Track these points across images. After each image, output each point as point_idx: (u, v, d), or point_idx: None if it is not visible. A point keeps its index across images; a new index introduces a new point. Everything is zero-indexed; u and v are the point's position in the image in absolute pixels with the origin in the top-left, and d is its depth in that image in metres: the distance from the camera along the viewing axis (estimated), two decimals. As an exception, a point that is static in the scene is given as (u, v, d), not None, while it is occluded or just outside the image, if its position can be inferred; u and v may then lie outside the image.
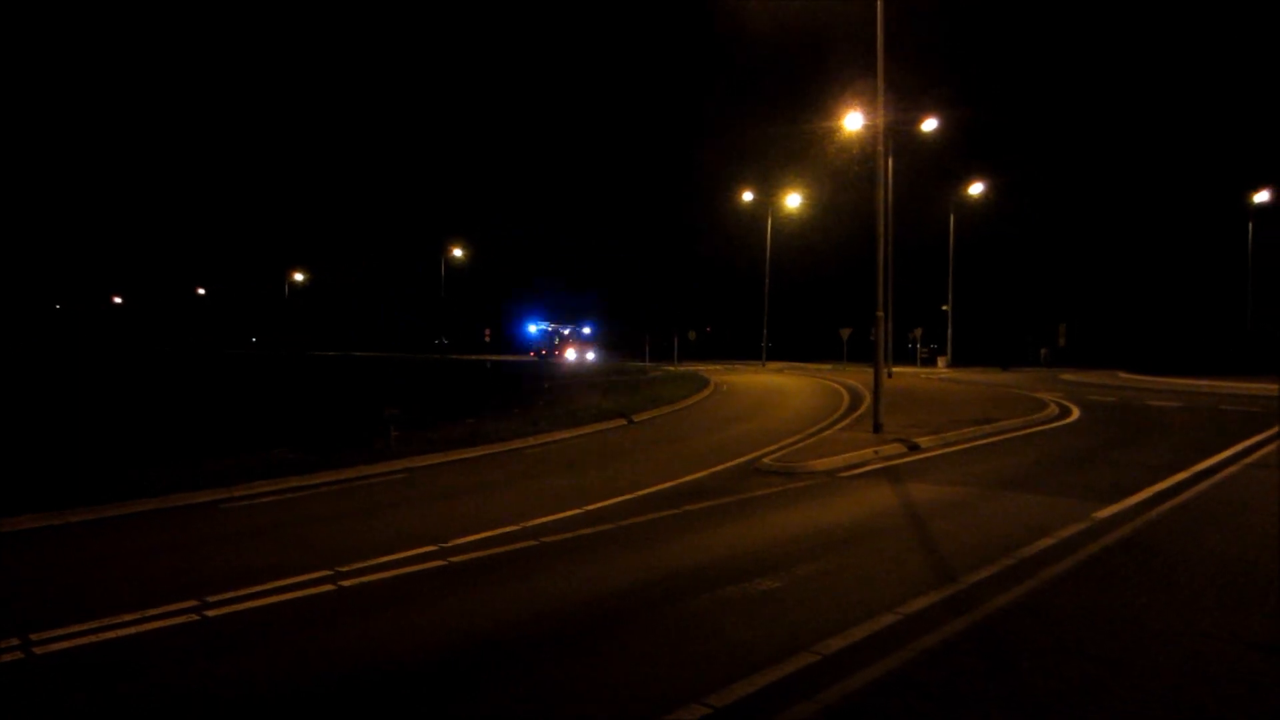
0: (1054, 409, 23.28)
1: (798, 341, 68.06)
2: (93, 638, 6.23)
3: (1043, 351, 61.05)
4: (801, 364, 56.99)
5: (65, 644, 6.10)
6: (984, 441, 16.93)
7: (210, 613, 6.77)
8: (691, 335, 60.79)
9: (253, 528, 9.87)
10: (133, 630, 6.38)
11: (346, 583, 7.53)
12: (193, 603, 6.94)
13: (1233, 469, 13.01)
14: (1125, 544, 8.32)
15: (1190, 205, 59.56)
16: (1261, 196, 47.92)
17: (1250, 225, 48.26)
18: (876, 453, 14.79)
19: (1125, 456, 15.20)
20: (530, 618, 6.66)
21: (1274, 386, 31.11)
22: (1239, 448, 15.64)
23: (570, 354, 69.59)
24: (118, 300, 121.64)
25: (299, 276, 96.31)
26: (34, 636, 6.18)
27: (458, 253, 77.01)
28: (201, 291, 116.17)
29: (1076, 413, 22.72)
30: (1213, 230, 54.95)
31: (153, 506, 10.71)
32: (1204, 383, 34.35)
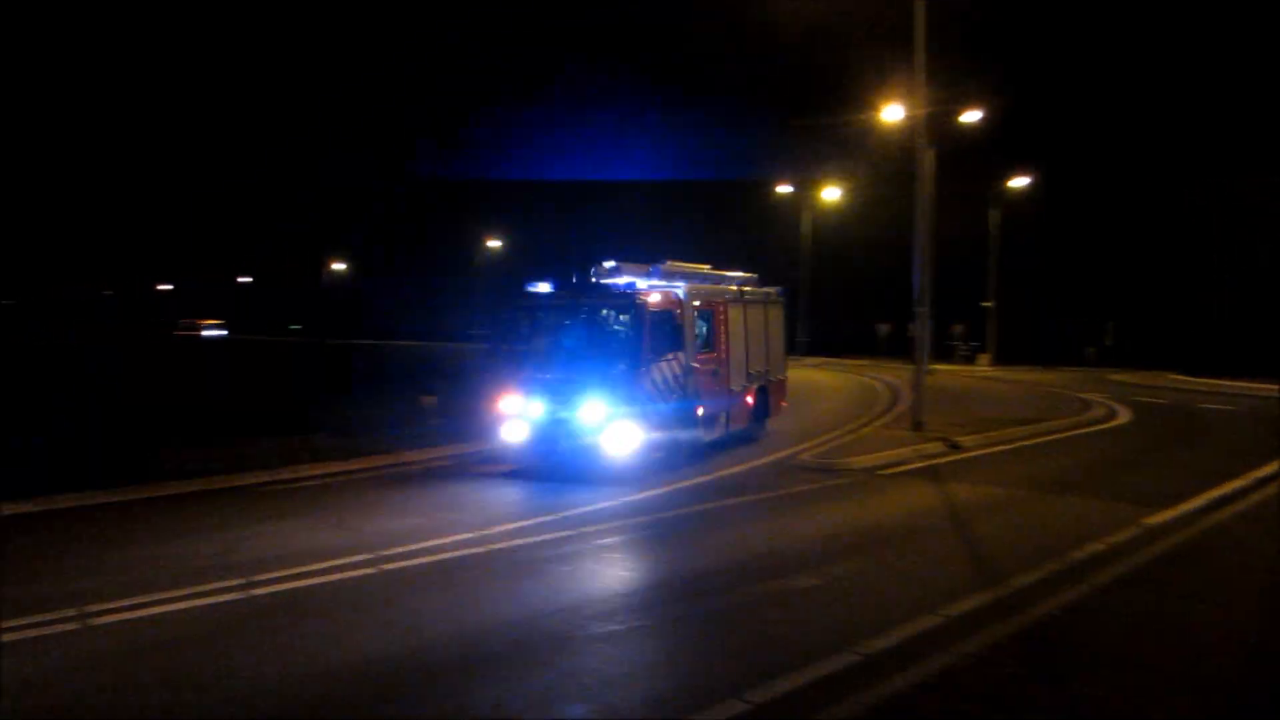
0: (1101, 410, 22.81)
1: (834, 336, 67.30)
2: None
3: (1089, 351, 59.96)
4: (838, 359, 56.45)
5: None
6: (1028, 442, 16.62)
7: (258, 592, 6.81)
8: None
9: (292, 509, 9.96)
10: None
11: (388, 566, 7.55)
12: (241, 580, 6.99)
13: (1288, 475, 12.62)
14: (1177, 552, 8.11)
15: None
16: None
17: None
18: (917, 451, 14.58)
19: (1175, 461, 14.85)
20: (571, 605, 6.64)
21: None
22: (1294, 454, 15.19)
23: None
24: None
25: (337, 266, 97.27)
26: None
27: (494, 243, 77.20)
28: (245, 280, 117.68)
29: (1124, 414, 22.24)
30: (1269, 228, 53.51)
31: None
32: (1258, 385, 33.47)
